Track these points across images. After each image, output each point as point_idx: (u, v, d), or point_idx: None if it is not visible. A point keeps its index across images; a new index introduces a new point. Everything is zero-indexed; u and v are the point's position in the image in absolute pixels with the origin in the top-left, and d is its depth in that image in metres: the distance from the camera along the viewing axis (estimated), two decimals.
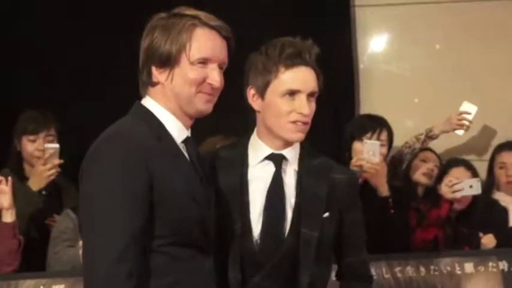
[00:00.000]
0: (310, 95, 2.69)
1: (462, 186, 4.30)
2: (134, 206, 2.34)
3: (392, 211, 4.09)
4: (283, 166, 2.75)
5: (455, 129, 4.89)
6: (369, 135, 4.17)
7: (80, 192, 2.47)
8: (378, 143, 4.05)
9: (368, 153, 3.95)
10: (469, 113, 4.84)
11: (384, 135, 4.24)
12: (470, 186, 4.32)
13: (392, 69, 5.57)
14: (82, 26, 5.35)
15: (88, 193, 2.40)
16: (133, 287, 2.29)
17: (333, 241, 2.76)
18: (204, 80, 2.49)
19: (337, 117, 5.39)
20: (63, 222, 3.90)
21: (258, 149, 2.77)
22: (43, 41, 5.39)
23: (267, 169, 2.75)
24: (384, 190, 3.95)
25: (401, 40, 5.61)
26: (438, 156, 4.98)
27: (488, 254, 4.18)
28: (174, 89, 2.50)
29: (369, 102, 5.49)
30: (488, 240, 4.40)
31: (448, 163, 4.54)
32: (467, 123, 4.85)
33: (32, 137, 4.42)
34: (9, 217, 3.77)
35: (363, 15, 5.54)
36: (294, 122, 2.67)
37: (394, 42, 5.62)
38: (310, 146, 2.84)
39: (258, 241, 2.70)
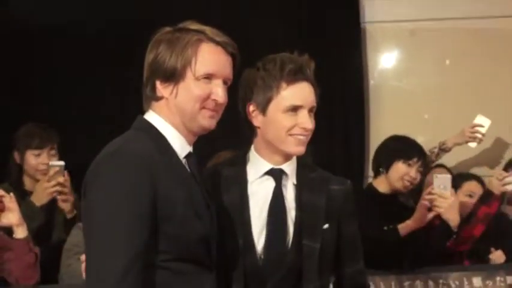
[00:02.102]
0: (310, 110, 2.70)
1: None
2: (138, 224, 2.30)
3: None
4: (282, 181, 2.75)
5: (468, 142, 4.92)
6: (415, 159, 4.17)
7: (82, 208, 2.46)
8: (449, 176, 4.04)
9: (439, 187, 3.87)
10: (482, 126, 4.87)
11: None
12: None
13: (402, 85, 5.59)
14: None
15: (91, 210, 2.36)
16: None
17: (333, 252, 2.77)
18: (208, 96, 2.47)
19: (348, 130, 5.42)
20: (76, 236, 3.88)
21: (257, 165, 2.77)
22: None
23: (266, 184, 2.74)
24: (456, 222, 3.88)
25: (410, 56, 5.63)
26: (450, 171, 4.98)
27: (497, 269, 4.18)
28: (179, 105, 2.47)
29: (379, 118, 5.52)
30: (497, 256, 4.40)
31: (459, 177, 4.50)
32: (480, 136, 4.88)
33: (36, 152, 4.42)
34: (20, 233, 3.73)
35: (373, 31, 5.56)
36: (297, 137, 2.67)
37: (404, 58, 5.64)
38: (299, 160, 2.82)
39: (262, 256, 2.69)
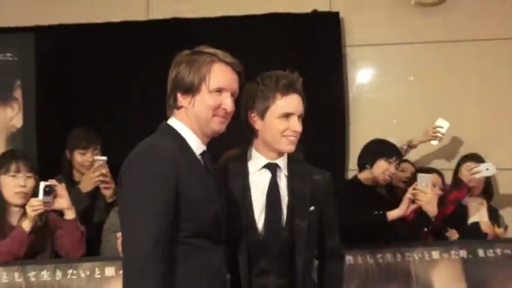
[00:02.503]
0: (299, 116, 2.76)
1: (480, 168, 4.42)
2: (164, 208, 2.38)
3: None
4: (277, 173, 2.81)
5: (430, 140, 4.94)
6: (394, 158, 4.21)
7: (118, 195, 2.59)
8: (430, 176, 4.06)
9: (421, 184, 3.90)
10: (442, 127, 4.89)
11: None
12: (487, 169, 4.43)
13: (375, 97, 5.55)
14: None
15: (126, 196, 2.45)
16: (162, 269, 2.35)
17: (317, 230, 2.84)
18: (219, 106, 2.53)
19: (332, 134, 5.41)
20: (114, 217, 3.88)
21: (256, 160, 2.82)
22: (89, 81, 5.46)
23: (264, 176, 2.80)
24: (434, 213, 3.95)
25: (383, 73, 5.58)
26: (413, 165, 5.02)
27: (452, 244, 4.16)
28: (196, 112, 2.54)
29: (356, 123, 5.50)
30: (452, 234, 4.38)
31: (423, 171, 4.48)
32: (440, 135, 4.91)
33: (82, 151, 4.48)
34: (70, 215, 3.76)
35: (351, 53, 5.53)
36: (289, 137, 2.74)
37: (376, 75, 5.59)
38: (291, 156, 2.88)
39: (262, 233, 2.75)
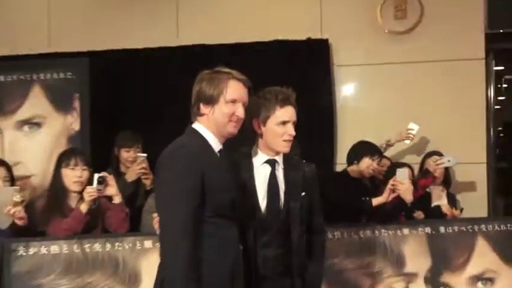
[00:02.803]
0: (293, 123, 2.80)
1: (443, 160, 4.49)
2: (192, 194, 2.43)
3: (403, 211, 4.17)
4: (276, 166, 2.84)
5: (404, 140, 4.92)
6: (376, 156, 4.24)
7: (156, 182, 2.60)
8: (406, 170, 4.04)
9: (400, 177, 3.87)
10: (413, 129, 4.88)
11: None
12: (449, 161, 4.52)
13: (358, 106, 5.52)
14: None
15: (164, 185, 2.49)
16: (191, 243, 2.40)
17: (307, 210, 2.86)
18: (233, 113, 2.59)
19: (323, 135, 5.40)
20: (151, 201, 3.86)
21: (259, 156, 2.85)
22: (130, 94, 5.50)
23: (265, 169, 2.83)
24: (410, 200, 3.90)
25: (364, 87, 5.55)
26: (390, 160, 4.99)
27: (419, 223, 4.16)
28: (215, 119, 2.58)
29: (343, 126, 5.48)
30: (419, 215, 4.40)
31: (396, 165, 4.50)
32: (412, 136, 4.90)
33: (127, 149, 4.50)
34: (117, 200, 3.77)
35: (339, 71, 5.50)
36: (285, 141, 2.79)
37: (360, 88, 5.56)
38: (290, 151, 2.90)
39: (265, 214, 2.78)
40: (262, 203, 2.78)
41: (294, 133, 2.78)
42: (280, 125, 2.76)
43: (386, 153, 4.89)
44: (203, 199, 2.46)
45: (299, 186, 2.84)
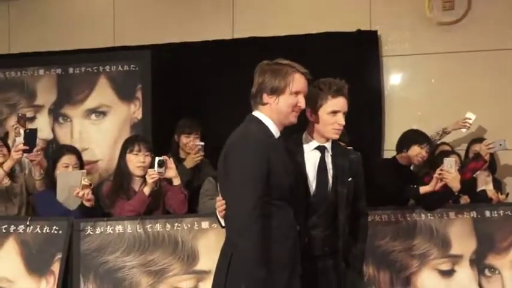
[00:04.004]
0: (344, 113, 2.79)
1: (494, 145, 4.43)
2: (260, 178, 2.46)
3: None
4: (325, 153, 2.84)
5: (460, 128, 4.84)
6: (425, 144, 4.17)
7: (222, 170, 2.58)
8: (453, 159, 3.90)
9: (447, 166, 3.77)
10: (470, 119, 4.79)
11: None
12: (500, 144, 4.44)
13: (405, 94, 5.44)
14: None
15: (234, 171, 2.49)
16: (260, 224, 2.42)
17: (352, 195, 2.85)
18: (296, 104, 2.61)
19: (372, 122, 5.36)
20: (207, 185, 3.87)
21: (309, 143, 2.85)
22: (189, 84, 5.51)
23: (315, 154, 2.83)
24: (457, 189, 3.78)
25: (412, 77, 5.46)
26: (451, 146, 4.96)
27: (465, 207, 4.09)
28: (278, 108, 2.59)
29: (391, 114, 5.41)
30: (465, 199, 4.32)
31: (443, 153, 4.42)
32: (468, 125, 4.81)
33: (187, 135, 4.48)
34: (176, 182, 3.78)
35: (387, 61, 5.45)
36: (335, 129, 2.78)
37: (408, 78, 5.47)
38: (339, 138, 2.91)
39: (314, 196, 2.78)
40: (312, 186, 2.78)
41: (343, 123, 2.77)
42: (330, 114, 2.76)
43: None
44: (268, 183, 2.48)
45: (346, 172, 2.83)
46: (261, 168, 2.46)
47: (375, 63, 5.36)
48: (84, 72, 5.27)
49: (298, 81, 2.59)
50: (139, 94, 5.22)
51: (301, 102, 2.61)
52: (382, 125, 5.36)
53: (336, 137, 2.81)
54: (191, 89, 5.50)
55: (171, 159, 3.82)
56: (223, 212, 2.61)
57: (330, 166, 2.82)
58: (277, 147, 2.58)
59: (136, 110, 5.21)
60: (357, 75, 5.09)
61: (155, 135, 5.02)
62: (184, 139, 4.49)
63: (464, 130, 4.86)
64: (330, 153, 2.85)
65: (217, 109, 5.28)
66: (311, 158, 2.82)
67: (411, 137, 4.23)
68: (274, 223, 2.50)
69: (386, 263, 3.82)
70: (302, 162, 2.80)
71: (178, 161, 4.31)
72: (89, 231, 3.62)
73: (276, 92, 2.57)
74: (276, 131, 2.62)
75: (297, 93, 2.59)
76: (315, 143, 2.84)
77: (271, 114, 2.60)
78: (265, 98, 2.60)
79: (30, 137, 3.91)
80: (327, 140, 2.84)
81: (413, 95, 5.40)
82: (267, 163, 2.48)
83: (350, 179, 2.83)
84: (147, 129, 5.10)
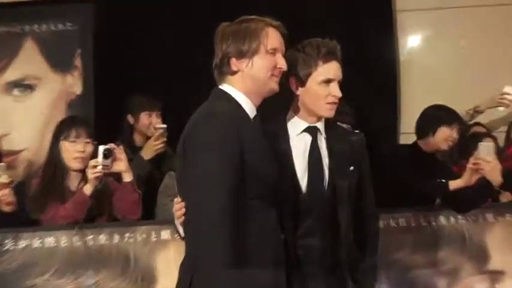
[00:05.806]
0: (338, 82, 2.77)
1: None
2: (233, 165, 2.43)
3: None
4: (317, 136, 2.82)
5: (497, 106, 4.77)
6: (456, 123, 4.14)
7: (181, 160, 2.57)
8: (492, 144, 3.85)
9: (483, 153, 3.65)
10: (509, 94, 4.67)
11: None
12: None
13: (425, 61, 5.47)
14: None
15: (198, 158, 2.46)
16: (234, 223, 2.38)
17: (355, 189, 2.83)
18: (275, 66, 2.59)
19: (384, 97, 5.33)
20: (168, 180, 3.91)
21: (296, 124, 2.82)
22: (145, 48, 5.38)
23: (305, 138, 2.80)
24: (498, 182, 3.67)
25: (432, 37, 5.47)
26: (486, 127, 4.95)
27: (505, 207, 4.06)
28: (254, 74, 2.58)
29: (408, 87, 5.41)
30: (506, 196, 4.30)
31: (476, 136, 4.43)
32: (507, 102, 4.68)
33: (148, 112, 4.50)
34: (127, 177, 3.75)
35: (402, 18, 5.44)
36: (329, 103, 2.75)
37: (427, 39, 5.49)
38: (339, 120, 2.94)
39: (306, 194, 2.75)
40: (302, 181, 2.76)
41: (339, 94, 2.74)
42: (322, 84, 2.74)
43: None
44: (242, 178, 2.46)
45: (346, 159, 2.81)
46: (232, 155, 2.44)
47: (386, 20, 5.35)
48: (3, 34, 5.18)
49: (273, 36, 2.60)
50: (78, 62, 5.17)
51: (281, 63, 2.61)
52: (398, 102, 5.36)
53: (331, 114, 2.77)
54: (147, 55, 5.34)
55: (120, 147, 3.76)
56: (183, 217, 2.58)
57: (324, 153, 2.80)
58: (253, 131, 2.56)
59: (74, 83, 5.17)
60: (363, 36, 5.10)
61: (99, 115, 4.97)
62: (145, 118, 4.48)
63: (502, 109, 4.78)
64: (324, 135, 2.82)
65: (180, 82, 5.18)
66: (299, 144, 2.79)
67: (436, 116, 4.19)
68: (251, 229, 2.47)
69: (405, 283, 3.81)
70: (287, 149, 2.78)
71: (132, 151, 4.30)
72: (9, 245, 3.58)
73: (248, 53, 2.57)
74: (250, 109, 2.62)
75: (274, 51, 2.59)
76: (303, 124, 2.80)
77: (245, 84, 2.60)
78: (235, 64, 2.59)
79: None
80: (319, 118, 2.81)
81: (437, 61, 5.39)
82: (239, 149, 2.46)
83: (352, 168, 2.81)
84: (89, 109, 5.06)
